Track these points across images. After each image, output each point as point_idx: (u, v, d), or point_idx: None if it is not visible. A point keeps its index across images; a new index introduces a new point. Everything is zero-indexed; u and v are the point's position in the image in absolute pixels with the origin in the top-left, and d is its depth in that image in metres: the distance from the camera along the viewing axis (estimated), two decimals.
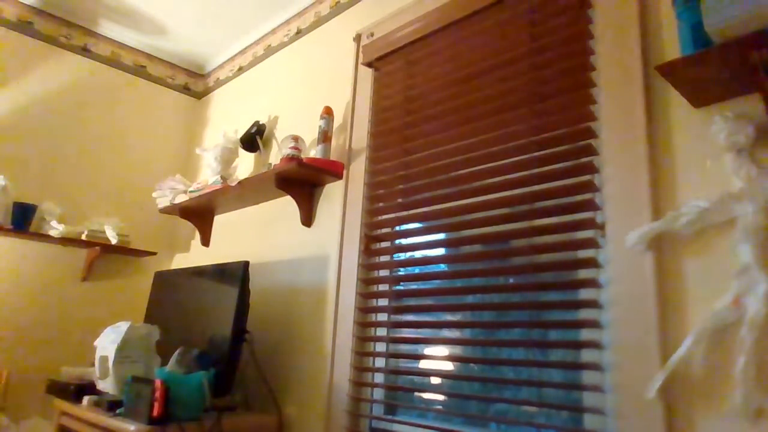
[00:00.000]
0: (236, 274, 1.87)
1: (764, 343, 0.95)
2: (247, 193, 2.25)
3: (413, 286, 1.70)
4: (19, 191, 2.40)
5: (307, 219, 2.06)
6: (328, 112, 2.03)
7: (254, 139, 2.44)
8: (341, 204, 1.92)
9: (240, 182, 2.15)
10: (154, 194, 2.64)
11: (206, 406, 1.62)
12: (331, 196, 2.02)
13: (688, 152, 1.14)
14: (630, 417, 1.09)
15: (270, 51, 2.68)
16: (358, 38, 2.08)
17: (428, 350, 1.67)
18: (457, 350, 1.57)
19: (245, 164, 2.55)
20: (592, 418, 1.19)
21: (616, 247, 1.19)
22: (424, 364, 1.64)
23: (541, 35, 1.47)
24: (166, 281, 2.34)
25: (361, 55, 2.03)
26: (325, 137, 2.00)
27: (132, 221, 2.74)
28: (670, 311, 1.10)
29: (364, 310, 1.76)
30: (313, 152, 2.04)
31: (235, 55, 2.94)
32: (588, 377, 1.22)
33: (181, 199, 2.50)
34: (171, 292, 2.26)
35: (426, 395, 1.62)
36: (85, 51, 2.79)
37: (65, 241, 2.45)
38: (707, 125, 1.10)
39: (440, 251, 1.69)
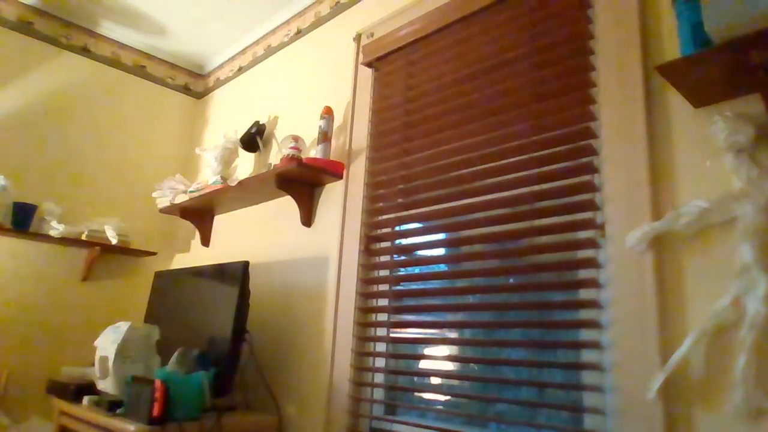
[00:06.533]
0: (236, 274, 1.87)
1: (764, 343, 0.95)
2: (247, 193, 2.25)
3: (413, 286, 1.70)
4: (19, 191, 2.40)
5: (307, 219, 2.06)
6: (328, 112, 2.02)
7: (254, 139, 2.44)
8: (341, 204, 1.92)
9: (240, 182, 2.15)
10: (154, 194, 2.64)
11: (206, 406, 1.62)
12: (331, 196, 2.02)
13: (688, 152, 1.14)
14: (630, 417, 1.09)
15: (270, 51, 2.68)
16: (358, 38, 2.08)
17: (428, 350, 1.67)
18: (457, 350, 1.57)
19: (245, 164, 2.55)
20: (592, 418, 1.19)
21: (616, 247, 1.19)
22: (424, 364, 1.64)
23: (541, 35, 1.47)
24: (166, 281, 2.34)
25: (361, 55, 2.03)
26: (325, 137, 2.00)
27: (132, 221, 2.74)
28: (670, 311, 1.10)
29: (364, 310, 1.76)
30: (313, 152, 2.04)
31: (235, 55, 2.94)
32: (588, 377, 1.22)
33: (181, 199, 2.50)
34: (171, 292, 2.26)
35: (426, 395, 1.62)
36: (85, 51, 2.79)
37: (65, 241, 2.45)
38: (707, 125, 1.10)
39: (440, 251, 1.69)
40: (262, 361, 1.98)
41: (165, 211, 2.61)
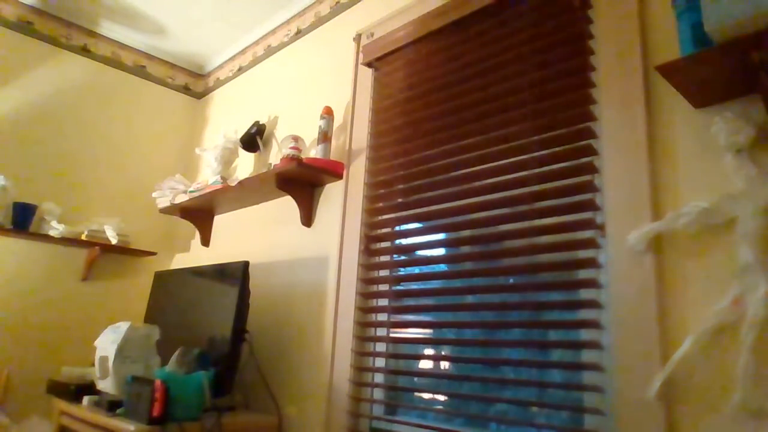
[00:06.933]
0: (236, 274, 1.87)
1: (764, 343, 0.95)
2: (247, 193, 2.25)
3: (413, 286, 1.70)
4: (19, 191, 2.40)
5: (307, 219, 2.06)
6: (328, 112, 2.02)
7: (254, 139, 2.44)
8: (341, 204, 1.92)
9: (240, 182, 2.15)
10: (154, 194, 2.64)
11: (206, 406, 1.62)
12: (331, 196, 2.02)
13: (688, 152, 1.14)
14: (630, 417, 1.09)
15: (270, 51, 2.68)
16: (358, 38, 2.08)
17: (428, 350, 1.67)
18: (457, 350, 1.57)
19: (245, 164, 2.55)
20: (592, 418, 1.19)
21: (616, 247, 1.19)
22: (424, 364, 1.64)
23: (541, 35, 1.47)
24: (166, 281, 2.34)
25: (361, 55, 2.03)
26: (325, 137, 2.00)
27: (132, 221, 2.74)
28: (670, 311, 1.10)
29: (364, 310, 1.76)
30: (313, 152, 2.04)
31: (235, 55, 2.94)
32: (588, 377, 1.22)
33: (181, 199, 2.50)
34: (171, 292, 2.26)
35: (426, 395, 1.62)
36: (85, 51, 2.78)
37: (65, 241, 2.45)
38: (707, 125, 1.10)
39: (440, 251, 1.69)
40: (262, 361, 1.98)
41: (165, 211, 2.61)
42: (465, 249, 1.62)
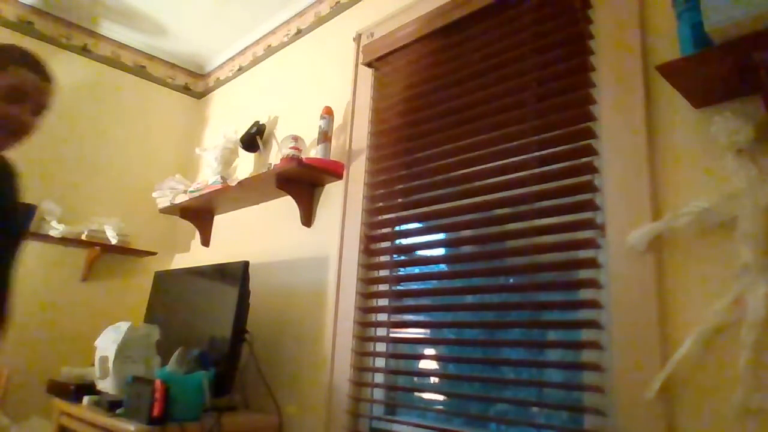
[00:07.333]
0: (236, 274, 1.87)
1: (764, 343, 0.95)
2: (247, 193, 2.25)
3: (413, 286, 1.70)
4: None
5: (307, 219, 2.06)
6: (328, 112, 2.02)
7: (254, 139, 2.44)
8: (341, 204, 1.92)
9: (240, 182, 2.15)
10: (154, 194, 2.64)
11: (206, 406, 1.62)
12: (331, 196, 2.02)
13: (688, 152, 1.14)
14: (630, 417, 1.09)
15: (270, 51, 2.68)
16: (358, 38, 2.08)
17: (428, 350, 1.67)
18: (457, 350, 1.57)
19: (245, 164, 2.55)
20: (593, 418, 1.19)
21: (616, 247, 1.19)
22: (424, 364, 1.64)
23: (542, 35, 1.47)
24: (166, 281, 2.34)
25: (361, 55, 2.03)
26: (325, 137, 2.00)
27: (132, 221, 2.74)
28: (670, 311, 1.10)
29: (364, 310, 1.76)
30: (313, 152, 2.04)
31: (235, 55, 2.94)
32: (588, 377, 1.22)
33: (181, 199, 2.50)
34: (171, 292, 2.26)
35: (426, 395, 1.62)
36: (85, 51, 2.79)
37: (65, 241, 2.45)
38: (707, 125, 1.10)
39: (440, 251, 1.69)
40: (262, 361, 1.97)
41: (165, 211, 2.61)
42: (465, 249, 1.62)
